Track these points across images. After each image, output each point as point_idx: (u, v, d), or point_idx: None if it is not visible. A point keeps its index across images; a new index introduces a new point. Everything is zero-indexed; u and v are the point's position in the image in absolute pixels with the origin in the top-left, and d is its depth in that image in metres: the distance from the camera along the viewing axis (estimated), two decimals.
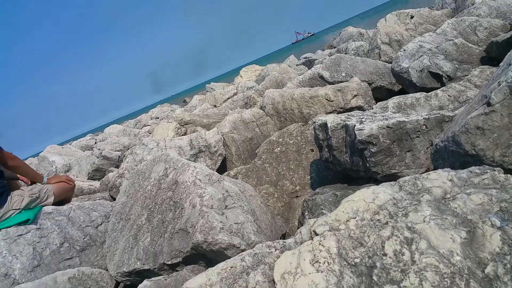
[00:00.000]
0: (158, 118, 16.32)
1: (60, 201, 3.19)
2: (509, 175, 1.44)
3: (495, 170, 1.46)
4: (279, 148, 3.85)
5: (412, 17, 7.84)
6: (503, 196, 1.34)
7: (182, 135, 7.20)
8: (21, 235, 2.67)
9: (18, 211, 2.75)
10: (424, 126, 2.45)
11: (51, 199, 3.02)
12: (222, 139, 4.54)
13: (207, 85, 17.86)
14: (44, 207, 2.94)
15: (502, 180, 1.42)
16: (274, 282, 1.30)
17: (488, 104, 1.69)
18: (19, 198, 2.78)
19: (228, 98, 11.10)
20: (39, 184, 3.10)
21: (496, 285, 1.08)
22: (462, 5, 6.58)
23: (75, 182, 3.46)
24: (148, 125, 13.87)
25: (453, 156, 1.89)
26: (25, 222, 2.73)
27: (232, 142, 4.52)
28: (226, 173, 3.93)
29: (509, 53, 2.01)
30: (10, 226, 2.68)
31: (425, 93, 3.51)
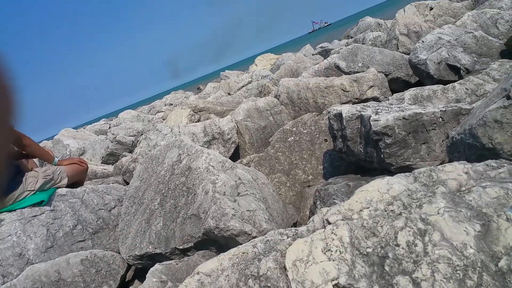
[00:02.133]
0: (172, 104, 16.38)
1: (74, 184, 3.24)
2: None
3: None
4: (292, 138, 3.84)
5: (431, 9, 7.68)
6: None
7: (196, 122, 7.23)
8: (35, 216, 2.73)
9: (33, 192, 2.79)
10: (440, 118, 2.41)
11: (65, 181, 3.07)
12: (236, 126, 4.55)
13: (221, 73, 17.83)
14: (58, 189, 2.99)
15: None
16: (285, 269, 1.31)
17: (508, 97, 1.66)
18: (33, 179, 2.82)
19: (243, 86, 11.08)
20: (52, 165, 3.14)
21: (509, 279, 1.07)
22: None
23: (88, 165, 3.50)
24: (162, 111, 13.93)
25: (470, 149, 1.86)
26: (40, 204, 2.78)
27: (245, 130, 4.53)
28: (239, 161, 3.94)
29: None
30: (25, 207, 2.73)
31: (442, 85, 3.45)
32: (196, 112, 7.65)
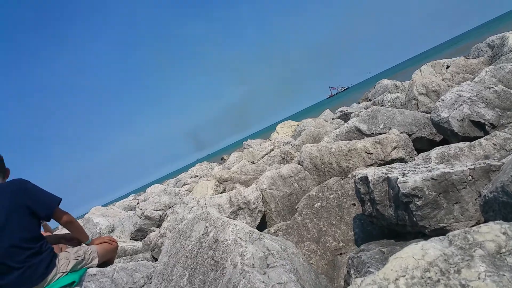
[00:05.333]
0: (197, 176, 16.60)
1: (104, 262, 3.24)
2: None
3: None
4: (319, 203, 3.79)
5: (448, 67, 7.80)
6: None
7: (221, 192, 7.27)
8: None
9: (65, 273, 2.80)
10: (470, 176, 2.36)
11: (96, 261, 3.07)
12: (261, 195, 4.54)
13: (244, 142, 18.16)
14: (89, 269, 2.99)
15: None
16: None
17: None
18: (65, 261, 2.84)
19: (265, 154, 11.19)
20: (83, 245, 3.17)
21: None
22: (499, 52, 6.50)
23: (118, 243, 3.51)
24: (188, 184, 14.10)
25: (505, 207, 1.79)
26: (71, 285, 2.78)
27: (271, 198, 4.50)
28: (266, 230, 3.88)
29: None
30: None
31: (468, 142, 3.40)
32: (221, 183, 7.72)
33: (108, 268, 3.08)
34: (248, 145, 16.84)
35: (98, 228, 6.76)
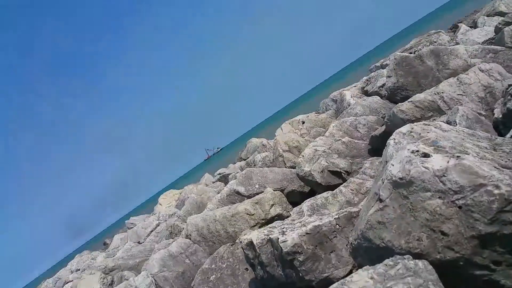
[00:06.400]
0: (78, 270, 14.90)
1: None
2: (416, 260, 1.63)
3: (405, 259, 1.65)
4: (214, 275, 3.80)
5: (303, 123, 8.78)
6: (418, 282, 1.51)
7: (109, 284, 6.69)
8: None
9: None
10: (337, 225, 2.66)
11: None
12: (154, 281, 4.33)
13: (126, 221, 17.11)
14: None
15: (412, 266, 1.60)
16: None
17: (380, 200, 1.95)
18: None
19: (151, 231, 10.74)
20: None
21: None
22: (341, 107, 7.61)
23: None
24: (70, 281, 12.55)
25: (369, 252, 2.07)
26: None
27: (164, 282, 4.34)
28: None
29: (384, 149, 2.37)
30: None
31: (331, 191, 3.83)
32: (107, 273, 7.13)
33: None
34: (131, 223, 15.90)
35: None
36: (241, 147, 14.21)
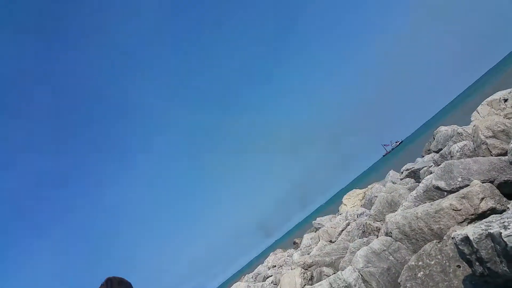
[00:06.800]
0: (275, 266, 16.30)
1: None
2: None
3: None
4: (422, 272, 3.73)
5: (505, 100, 7.54)
6: None
7: (309, 279, 7.18)
8: None
9: None
10: None
11: None
12: (360, 275, 4.50)
13: (313, 222, 17.88)
14: None
15: None
16: None
17: None
18: None
19: (342, 230, 11.01)
20: None
21: None
22: None
23: None
24: (270, 276, 13.87)
25: None
26: None
27: (370, 276, 4.44)
28: None
29: None
30: None
31: None
32: (306, 269, 7.68)
33: None
34: (319, 224, 16.55)
35: None
36: (423, 139, 13.27)
